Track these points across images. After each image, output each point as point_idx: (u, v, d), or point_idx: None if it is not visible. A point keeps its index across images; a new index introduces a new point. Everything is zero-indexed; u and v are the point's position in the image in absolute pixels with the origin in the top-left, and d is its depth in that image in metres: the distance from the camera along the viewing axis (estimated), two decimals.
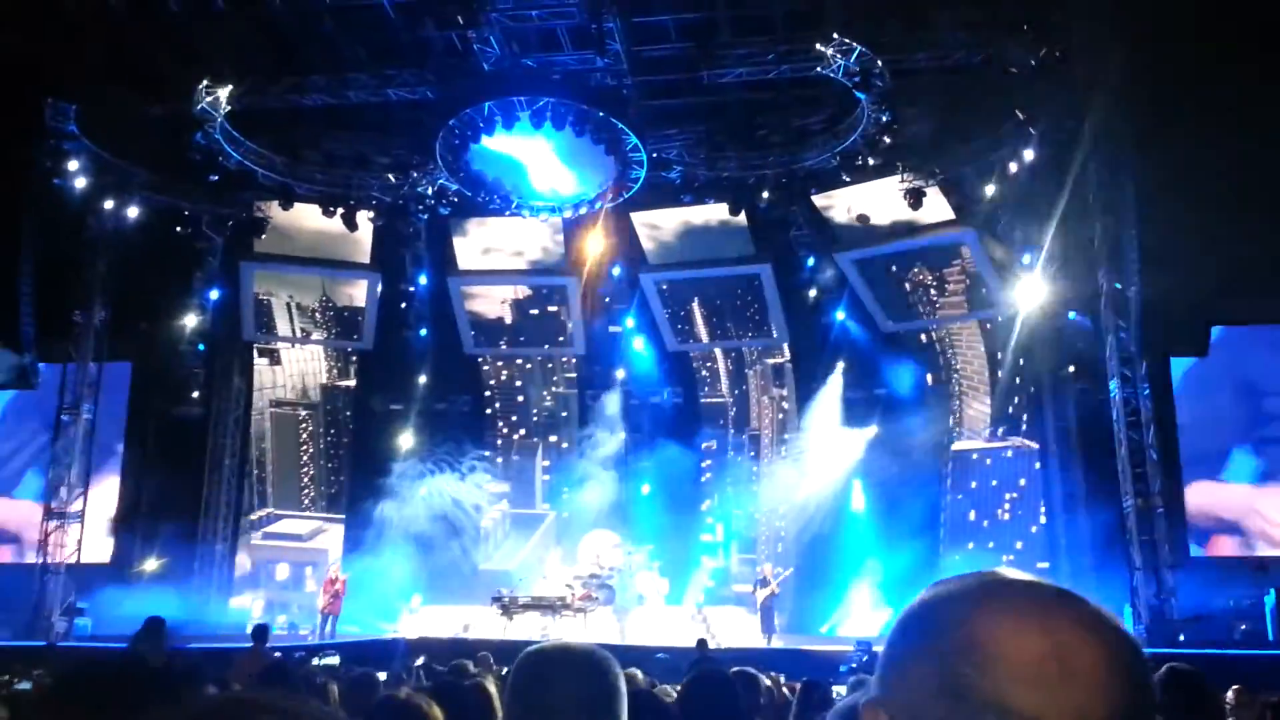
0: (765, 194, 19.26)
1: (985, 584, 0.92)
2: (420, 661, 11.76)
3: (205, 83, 17.37)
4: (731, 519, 22.10)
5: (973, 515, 20.03)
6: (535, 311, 23.14)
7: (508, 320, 23.28)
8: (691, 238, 21.35)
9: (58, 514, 19.10)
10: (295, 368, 23.08)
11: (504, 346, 23.63)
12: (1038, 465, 19.52)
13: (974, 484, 20.19)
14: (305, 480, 22.79)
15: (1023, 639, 0.85)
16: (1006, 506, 19.79)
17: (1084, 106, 15.75)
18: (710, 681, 4.19)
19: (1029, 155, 16.94)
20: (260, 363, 22.77)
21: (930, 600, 0.93)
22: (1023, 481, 19.74)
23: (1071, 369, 18.54)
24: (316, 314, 22.75)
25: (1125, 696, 0.84)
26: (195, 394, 21.37)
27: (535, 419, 23.75)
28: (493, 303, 23.13)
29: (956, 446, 20.58)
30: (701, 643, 13.26)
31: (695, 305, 22.42)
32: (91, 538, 19.95)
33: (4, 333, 19.14)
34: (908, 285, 20.67)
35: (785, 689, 8.64)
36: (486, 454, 23.15)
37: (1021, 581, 0.92)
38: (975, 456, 20.39)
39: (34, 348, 19.57)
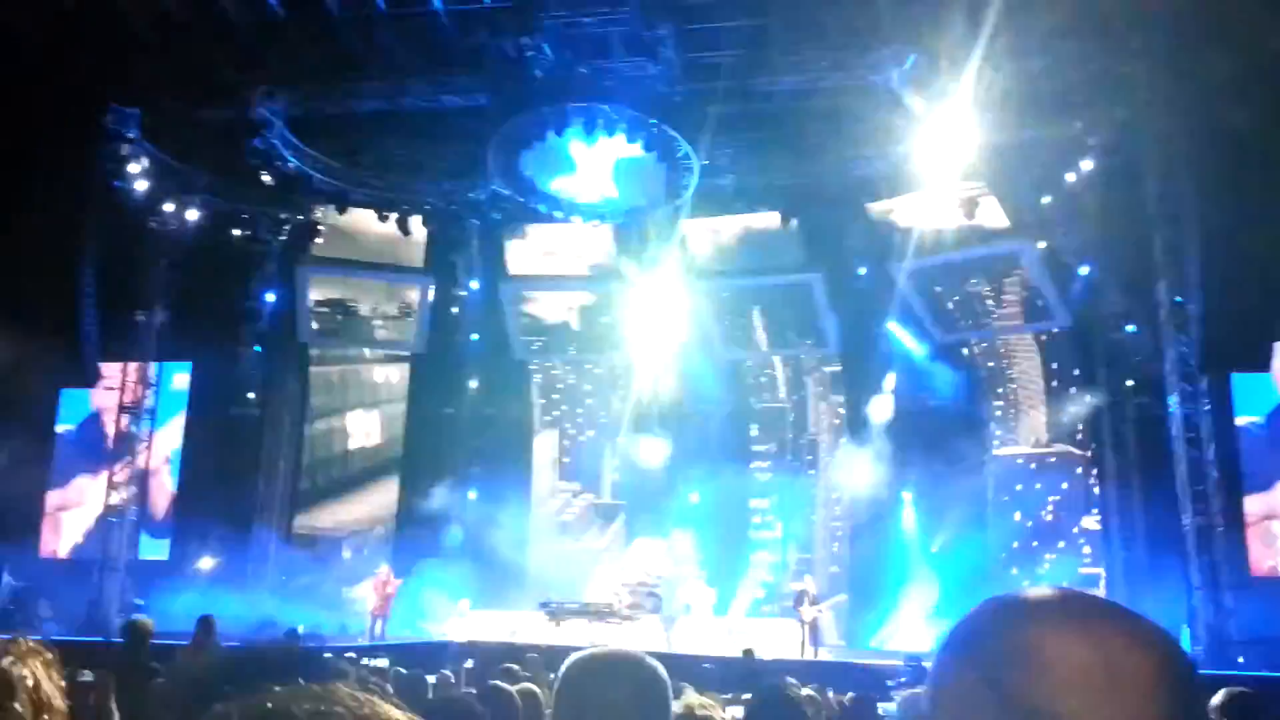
0: (817, 202, 19.15)
1: (1036, 597, 0.92)
2: (470, 664, 11.85)
3: (264, 88, 17.66)
4: (788, 526, 22.02)
5: (1018, 516, 19.81)
6: (588, 317, 23.24)
7: (561, 327, 23.40)
8: (743, 246, 21.31)
9: (117, 511, 19.49)
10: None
11: (554, 354, 23.76)
12: (1079, 470, 19.28)
13: (1019, 486, 20.00)
14: None
15: (1072, 648, 0.85)
16: (1050, 508, 19.59)
17: (1144, 116, 15.49)
18: (776, 704, 4.14)
19: (1087, 165, 16.69)
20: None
21: (980, 612, 0.94)
22: (1065, 485, 19.59)
23: (1130, 383, 18.22)
24: (371, 318, 23.06)
25: (1172, 709, 0.84)
26: (251, 395, 21.73)
27: (589, 424, 23.91)
28: (546, 308, 23.28)
29: (1000, 452, 20.39)
30: (748, 653, 13.17)
31: (756, 313, 22.35)
32: (149, 536, 20.34)
33: (66, 332, 19.58)
34: (962, 296, 20.44)
35: (834, 703, 8.56)
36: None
37: (1073, 594, 0.92)
38: (1020, 461, 20.19)
39: (96, 346, 20.01)
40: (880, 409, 21.21)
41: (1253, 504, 17.44)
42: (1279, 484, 17.59)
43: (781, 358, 23.06)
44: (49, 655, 2.14)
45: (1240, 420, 17.90)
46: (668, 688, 1.87)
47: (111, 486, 19.82)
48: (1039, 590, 0.94)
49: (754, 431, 23.10)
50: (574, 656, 1.94)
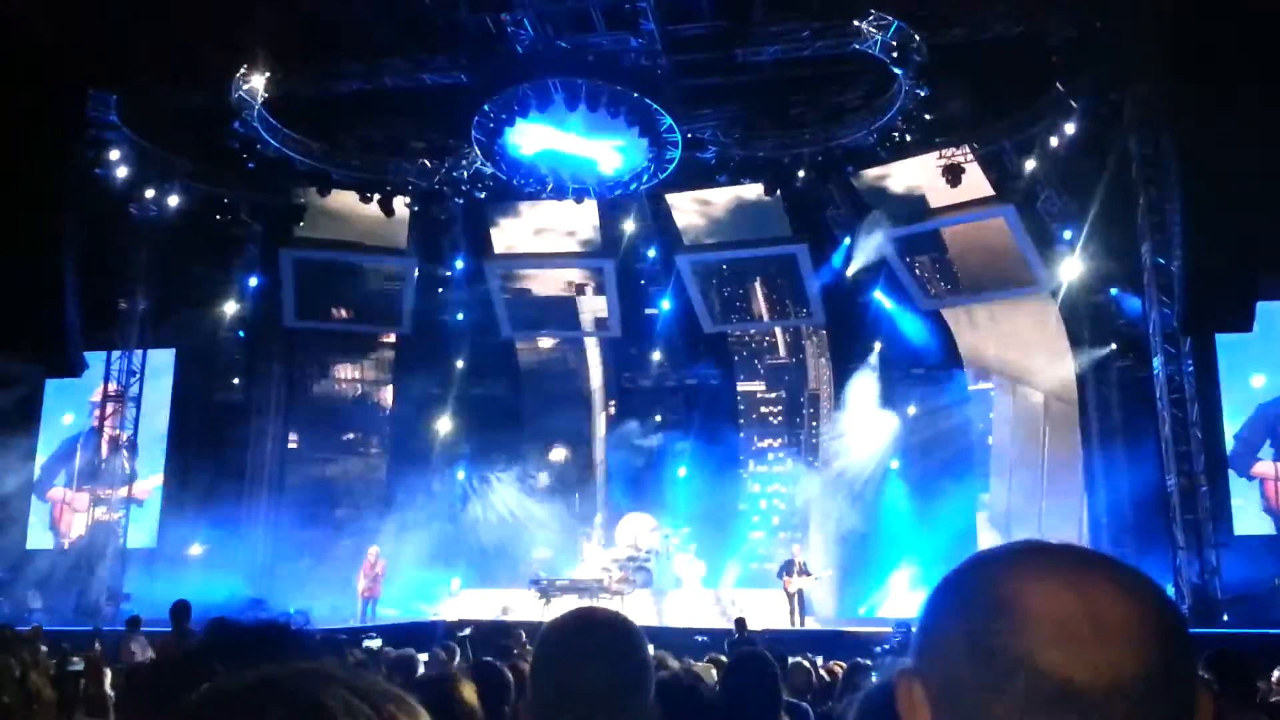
0: (801, 173, 19.11)
1: (1019, 549, 0.92)
2: (468, 632, 11.90)
3: (241, 71, 17.49)
4: (777, 496, 22.15)
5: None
6: (573, 293, 23.20)
7: (546, 304, 23.35)
8: (727, 218, 21.28)
9: (102, 499, 19.43)
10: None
11: (540, 330, 23.74)
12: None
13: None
14: None
15: (1055, 598, 0.84)
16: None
17: (1126, 78, 15.47)
18: (751, 662, 4.19)
19: (1069, 129, 16.67)
20: None
21: (963, 568, 0.93)
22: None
23: (1113, 346, 18.32)
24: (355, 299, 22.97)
25: (1160, 656, 0.83)
26: (236, 380, 21.64)
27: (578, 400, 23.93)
28: (534, 284, 23.21)
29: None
30: (740, 623, 13.24)
31: (757, 284, 22.35)
32: (136, 523, 20.28)
33: (50, 322, 19.42)
34: (944, 263, 20.46)
35: (824, 671, 8.62)
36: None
37: (1056, 546, 0.91)
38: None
39: (79, 336, 19.86)
40: (866, 378, 21.30)
41: None
42: None
43: (781, 328, 23.08)
44: (36, 645, 2.13)
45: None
46: (644, 644, 1.87)
47: (98, 475, 19.74)
48: (1022, 544, 0.93)
49: (759, 388, 23.04)
50: (550, 623, 1.94)
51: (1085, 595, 0.84)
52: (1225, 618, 14.66)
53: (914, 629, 0.97)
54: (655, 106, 16.99)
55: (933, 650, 0.91)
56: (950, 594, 0.92)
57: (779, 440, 23.04)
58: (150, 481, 21.24)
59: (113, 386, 20.11)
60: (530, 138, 17.93)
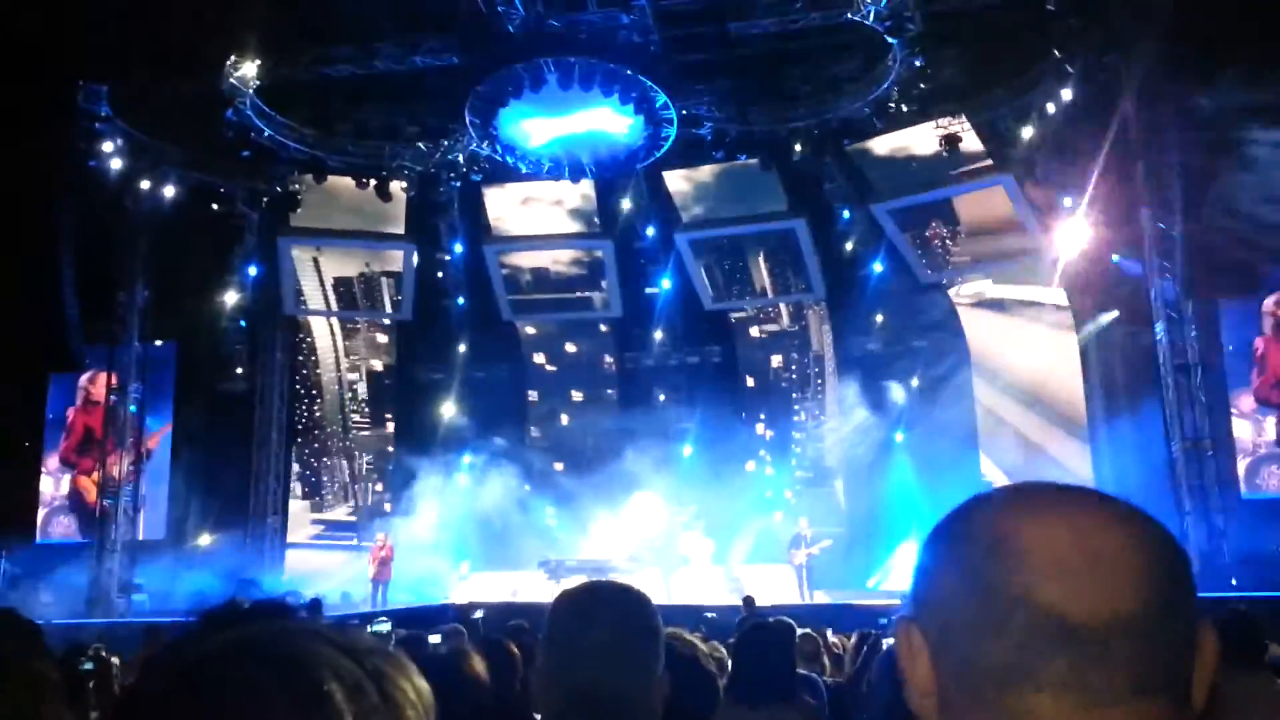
0: (798, 147, 19.02)
1: (1014, 490, 0.90)
2: (480, 614, 11.97)
3: (233, 59, 17.42)
4: (783, 471, 22.16)
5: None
6: (572, 273, 23.16)
7: (544, 283, 23.30)
8: (725, 195, 21.21)
9: (111, 493, 19.47)
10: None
11: (541, 312, 23.70)
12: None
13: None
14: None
15: (1051, 534, 0.83)
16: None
17: (1123, 41, 15.38)
18: (764, 632, 4.18)
19: (1067, 95, 16.57)
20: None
21: (959, 510, 0.91)
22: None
23: (1116, 312, 18.27)
24: (356, 285, 22.91)
25: (1157, 589, 0.81)
26: (239, 370, 21.65)
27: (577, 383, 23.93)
28: (530, 263, 23.16)
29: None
30: (749, 600, 13.27)
31: (760, 259, 22.30)
32: (145, 515, 20.33)
33: (51, 317, 19.45)
34: (946, 234, 20.38)
35: (835, 642, 8.64)
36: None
37: (1051, 485, 0.90)
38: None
39: (79, 329, 19.89)
40: (866, 360, 21.25)
41: None
42: None
43: (785, 303, 23.08)
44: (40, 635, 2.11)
45: None
46: (653, 613, 1.86)
47: (104, 468, 19.77)
48: (1018, 485, 0.91)
49: (775, 362, 23.09)
50: (561, 593, 1.93)
51: (1082, 531, 0.83)
52: (1234, 581, 14.66)
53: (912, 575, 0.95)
54: (649, 83, 16.91)
55: (930, 594, 0.90)
56: (946, 536, 0.90)
57: (784, 414, 22.97)
58: (156, 472, 21.25)
59: (116, 379, 20.08)
60: (526, 118, 17.86)
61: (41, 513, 21.00)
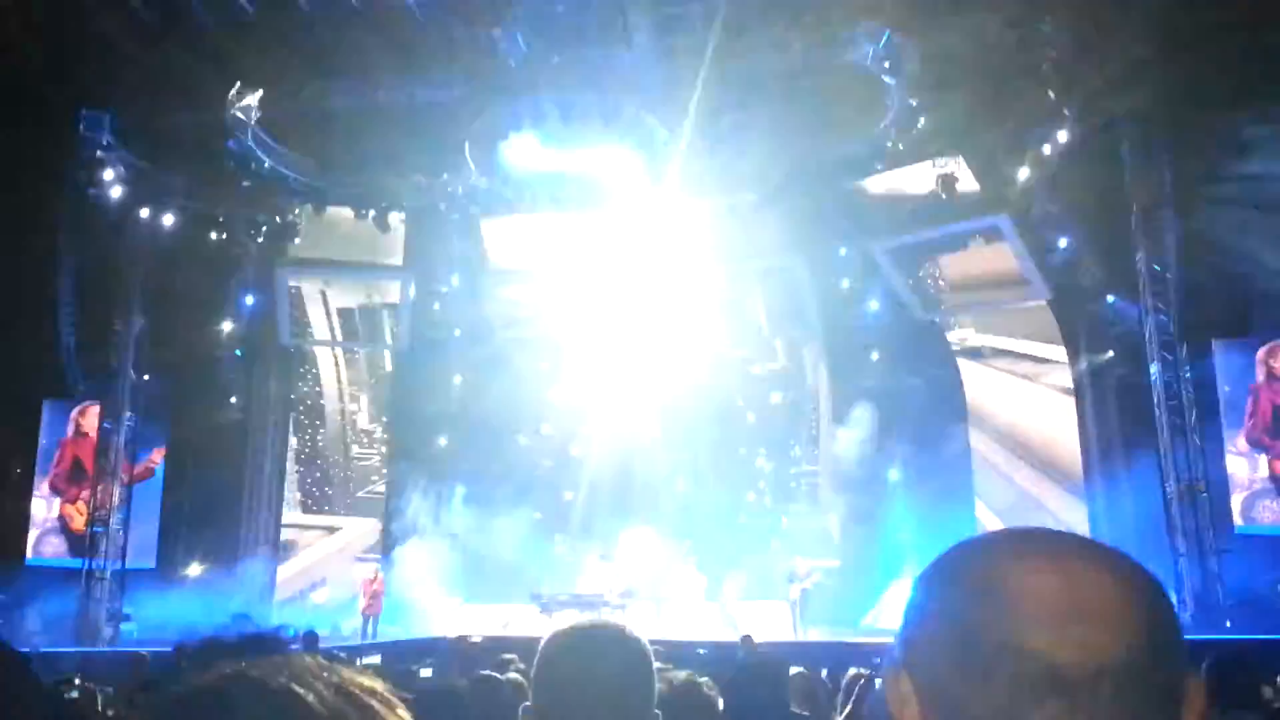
0: (797, 184, 19.12)
1: (1002, 535, 0.91)
2: (478, 640, 11.95)
3: (235, 89, 17.53)
4: (779, 509, 22.11)
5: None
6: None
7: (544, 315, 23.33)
8: (726, 230, 21.27)
9: (101, 521, 19.35)
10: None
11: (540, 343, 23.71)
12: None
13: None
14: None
15: (1039, 580, 0.83)
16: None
17: (1119, 85, 15.52)
18: (757, 671, 4.16)
19: (1063, 136, 16.70)
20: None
21: (946, 555, 0.92)
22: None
23: (1111, 353, 18.31)
24: (358, 316, 22.97)
25: (1146, 638, 0.81)
26: (234, 399, 21.60)
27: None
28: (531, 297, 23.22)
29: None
30: (747, 639, 13.15)
31: (759, 297, 22.38)
32: (134, 543, 20.20)
33: (46, 343, 19.44)
34: (941, 273, 20.47)
35: (826, 678, 8.57)
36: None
37: (1040, 531, 0.90)
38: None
39: (75, 358, 19.86)
40: (865, 389, 21.25)
41: None
42: None
43: (781, 340, 23.10)
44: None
45: None
46: (650, 658, 1.85)
47: (96, 496, 19.67)
48: (1006, 530, 0.92)
49: (774, 399, 23.04)
50: (553, 632, 1.92)
51: (1070, 577, 0.83)
52: (1228, 624, 14.61)
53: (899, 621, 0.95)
54: (650, 119, 17.04)
55: (918, 640, 0.90)
56: (935, 581, 0.90)
57: (779, 450, 22.91)
58: (148, 502, 21.14)
59: (110, 407, 20.03)
60: (526, 152, 17.98)
61: (33, 534, 20.86)
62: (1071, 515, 18.82)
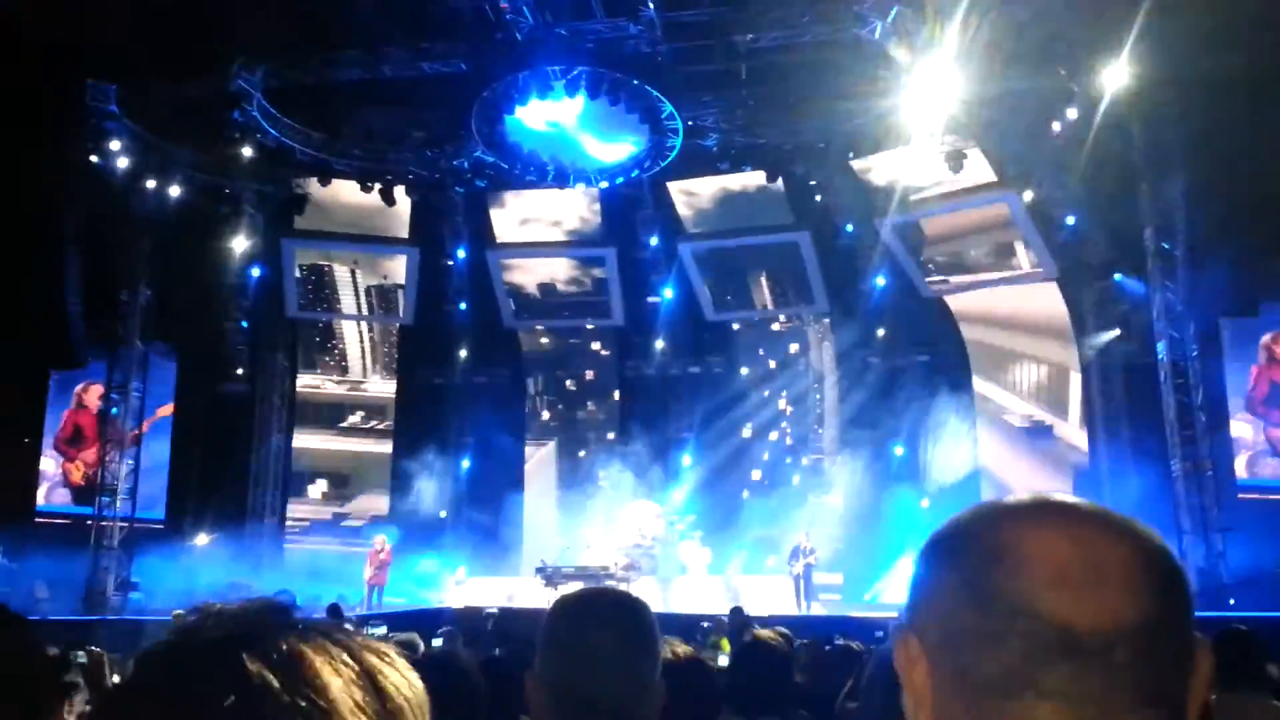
0: (802, 160, 19.04)
1: (1015, 500, 0.90)
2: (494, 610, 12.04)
3: (241, 60, 17.45)
4: (781, 482, 22.15)
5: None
6: (575, 283, 23.18)
7: (547, 293, 23.33)
8: (729, 206, 21.24)
9: (109, 490, 19.43)
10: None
11: (543, 319, 23.74)
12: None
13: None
14: None
15: (1052, 543, 0.83)
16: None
17: (1129, 62, 15.39)
18: (763, 645, 4.17)
19: (1072, 113, 16.57)
20: None
21: (958, 518, 0.91)
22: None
23: (1118, 331, 18.27)
24: (374, 294, 23.04)
25: (1158, 602, 0.81)
26: (240, 371, 21.65)
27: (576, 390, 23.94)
28: (533, 274, 23.19)
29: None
30: (736, 610, 13.18)
31: (762, 275, 22.30)
32: (143, 513, 20.29)
33: (53, 314, 19.46)
34: (947, 249, 20.40)
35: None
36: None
37: (1051, 496, 0.90)
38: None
39: (81, 327, 19.89)
40: (869, 366, 21.23)
41: None
42: None
43: (784, 316, 23.07)
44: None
45: None
46: (655, 626, 1.86)
47: (104, 466, 19.74)
48: (1018, 495, 0.91)
49: (764, 374, 23.03)
50: (560, 598, 1.93)
51: (1083, 540, 0.83)
52: (1232, 602, 14.64)
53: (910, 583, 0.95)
54: (655, 93, 16.94)
55: (929, 602, 0.89)
56: (945, 544, 0.90)
57: (784, 426, 22.96)
58: (155, 471, 21.21)
59: (117, 378, 20.07)
60: (532, 126, 17.89)
61: (44, 487, 20.91)
62: (1077, 480, 18.89)
